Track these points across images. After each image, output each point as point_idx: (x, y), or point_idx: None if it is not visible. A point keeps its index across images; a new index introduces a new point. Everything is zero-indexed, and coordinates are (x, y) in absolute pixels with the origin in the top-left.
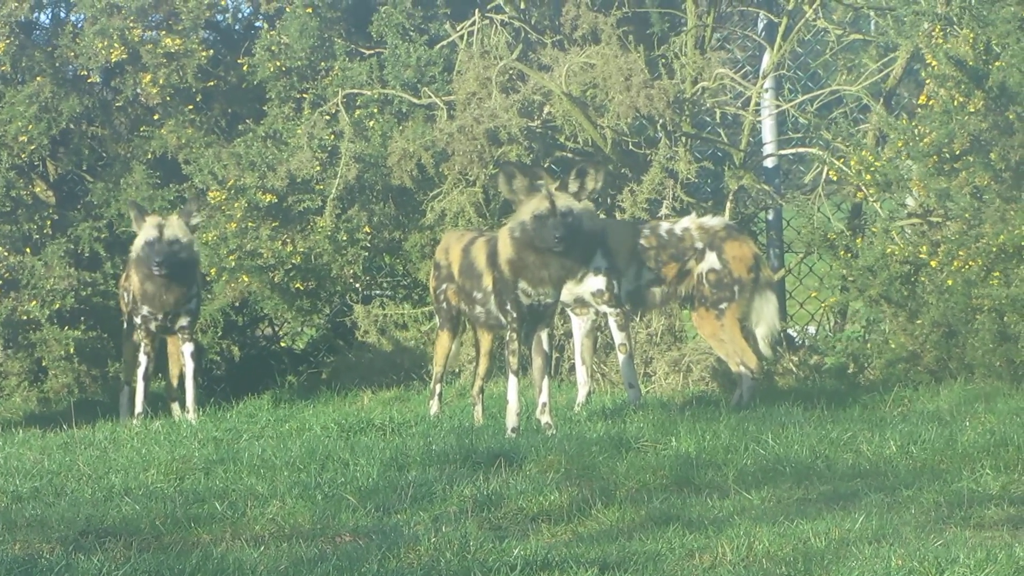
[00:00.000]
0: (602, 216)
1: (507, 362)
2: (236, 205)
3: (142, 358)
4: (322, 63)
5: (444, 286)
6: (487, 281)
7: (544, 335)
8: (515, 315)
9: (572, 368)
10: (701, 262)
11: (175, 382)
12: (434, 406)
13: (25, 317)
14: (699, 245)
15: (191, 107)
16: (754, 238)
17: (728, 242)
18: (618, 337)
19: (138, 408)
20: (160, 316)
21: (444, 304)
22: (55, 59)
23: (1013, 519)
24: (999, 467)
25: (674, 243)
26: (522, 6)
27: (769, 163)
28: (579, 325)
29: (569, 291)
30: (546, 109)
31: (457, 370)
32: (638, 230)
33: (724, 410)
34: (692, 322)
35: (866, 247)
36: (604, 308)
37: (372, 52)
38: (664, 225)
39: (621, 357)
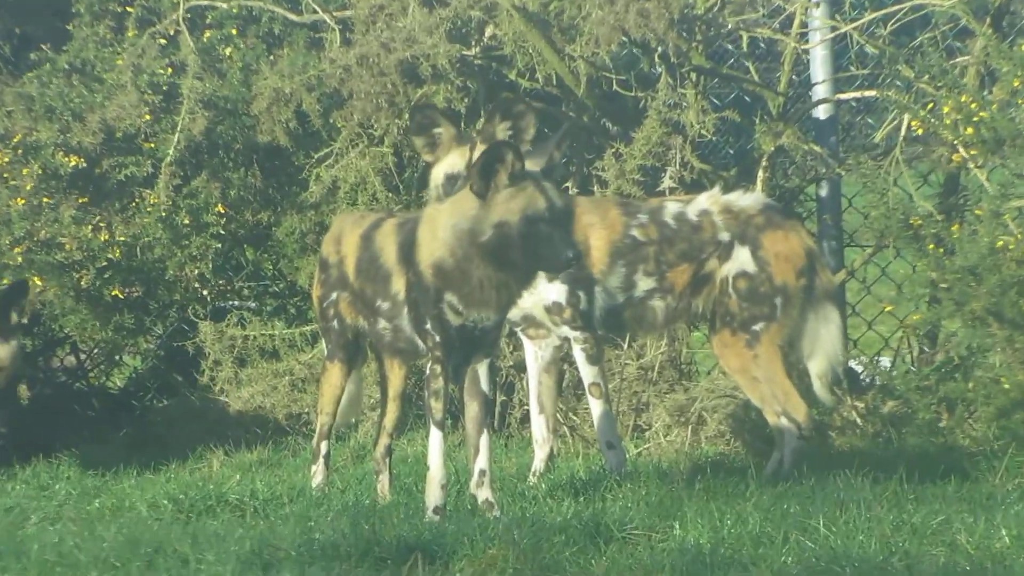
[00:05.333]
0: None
1: (427, 409)
2: (25, 172)
3: None
4: None
5: (334, 295)
6: (398, 285)
7: (483, 370)
8: (439, 339)
9: (525, 418)
10: (727, 262)
11: None
12: (318, 474)
13: None
14: (724, 237)
15: None
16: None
17: (768, 232)
18: (588, 374)
19: None
20: None
21: (334, 322)
22: None
23: None
24: None
25: (685, 234)
26: None
27: (821, 113)
28: (535, 354)
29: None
30: (489, 31)
31: (354, 420)
32: (630, 215)
33: (754, 482)
34: (711, 350)
35: (967, 239)
36: (565, 331)
37: None
38: (671, 207)
39: (594, 404)
